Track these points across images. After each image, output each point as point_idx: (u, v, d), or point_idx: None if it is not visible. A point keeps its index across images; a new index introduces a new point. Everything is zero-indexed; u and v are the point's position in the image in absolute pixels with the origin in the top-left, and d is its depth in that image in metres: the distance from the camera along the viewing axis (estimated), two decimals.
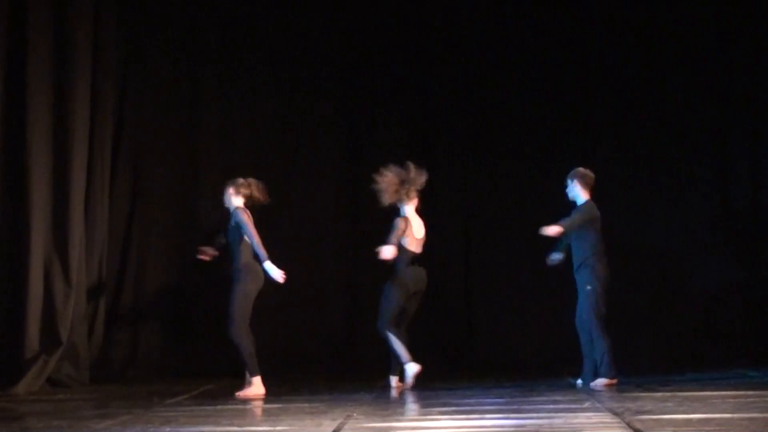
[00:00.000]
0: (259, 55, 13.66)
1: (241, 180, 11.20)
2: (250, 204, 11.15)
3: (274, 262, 10.75)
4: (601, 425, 8.30)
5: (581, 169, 11.56)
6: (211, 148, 13.60)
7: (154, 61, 13.50)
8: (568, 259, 12.30)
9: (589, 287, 11.33)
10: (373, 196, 12.91)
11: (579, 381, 11.25)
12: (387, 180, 11.49)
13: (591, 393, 10.62)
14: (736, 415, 8.67)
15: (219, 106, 13.67)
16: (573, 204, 11.54)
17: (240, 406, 10.20)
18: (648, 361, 11.57)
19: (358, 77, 13.86)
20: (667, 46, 13.90)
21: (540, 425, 8.31)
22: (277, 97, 13.73)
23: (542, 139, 13.93)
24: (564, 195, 11.87)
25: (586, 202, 11.47)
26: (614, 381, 11.09)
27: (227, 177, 13.05)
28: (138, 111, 13.41)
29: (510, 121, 13.91)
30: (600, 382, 11.09)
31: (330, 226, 13.59)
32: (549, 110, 13.99)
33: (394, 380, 11.50)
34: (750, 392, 10.35)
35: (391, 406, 10.07)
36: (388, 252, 11.29)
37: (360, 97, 13.89)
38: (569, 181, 11.55)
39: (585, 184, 11.52)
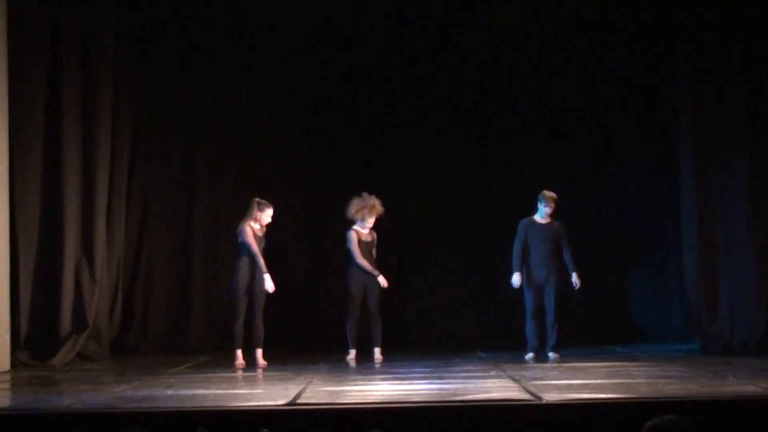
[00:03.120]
0: (240, 99, 13.60)
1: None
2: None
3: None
4: (503, 388, 8.37)
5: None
6: (203, 174, 13.57)
7: (161, 108, 13.47)
8: (479, 256, 12.32)
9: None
10: (327, 202, 13.06)
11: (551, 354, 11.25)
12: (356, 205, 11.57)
13: (496, 364, 10.67)
14: (606, 381, 8.78)
15: (210, 144, 13.64)
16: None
17: (226, 374, 10.20)
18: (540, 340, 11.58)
19: (317, 113, 13.79)
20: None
21: (456, 389, 8.37)
22: (254, 131, 13.66)
23: (466, 154, 13.81)
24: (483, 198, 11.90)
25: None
26: None
27: (217, 196, 13.15)
28: (148, 145, 13.36)
29: (431, 140, 13.76)
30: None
31: (295, 229, 13.55)
32: (466, 133, 13.91)
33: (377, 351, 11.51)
34: (617, 363, 10.47)
35: (342, 374, 10.07)
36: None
37: (319, 128, 13.81)
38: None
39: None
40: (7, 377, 10.43)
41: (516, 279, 11.42)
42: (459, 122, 13.81)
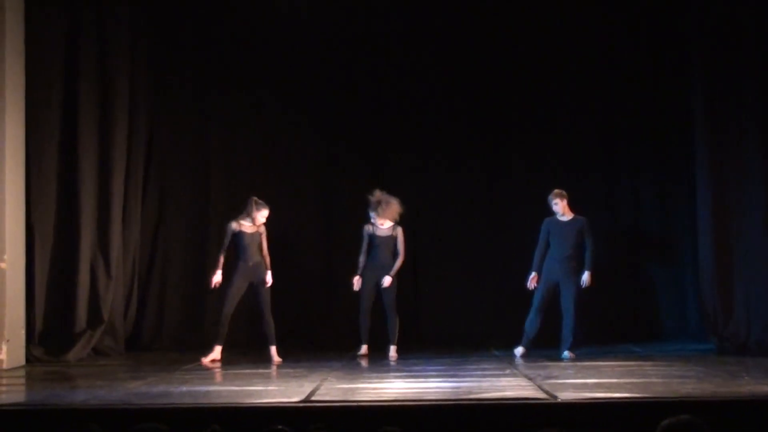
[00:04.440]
0: (255, 97, 13.60)
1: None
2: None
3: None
4: (518, 387, 8.38)
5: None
6: (219, 171, 13.58)
7: (177, 106, 13.49)
8: (493, 254, 12.33)
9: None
10: (343, 200, 13.09)
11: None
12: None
13: (510, 362, 10.66)
14: (621, 380, 8.77)
15: (225, 141, 13.65)
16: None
17: (240, 371, 10.21)
18: (556, 339, 11.56)
19: (332, 109, 13.78)
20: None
21: (471, 387, 8.38)
22: (268, 128, 13.67)
23: (480, 150, 13.79)
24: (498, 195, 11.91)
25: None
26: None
27: (233, 193, 13.15)
28: (163, 143, 13.39)
29: (446, 137, 13.73)
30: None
31: (309, 225, 13.55)
32: (480, 129, 13.88)
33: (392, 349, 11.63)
34: (632, 363, 10.46)
35: (357, 371, 10.09)
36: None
37: (334, 125, 13.80)
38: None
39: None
40: (22, 372, 10.47)
41: (530, 280, 11.47)
42: (474, 118, 13.77)
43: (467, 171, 13.76)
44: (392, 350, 11.52)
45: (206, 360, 11.17)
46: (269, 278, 11.46)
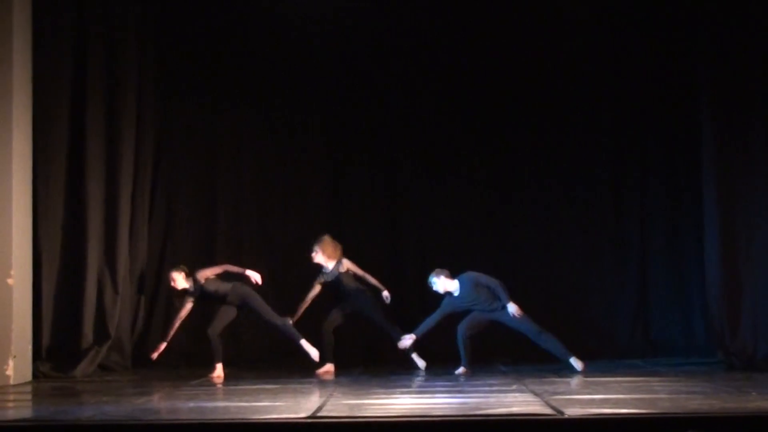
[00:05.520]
0: (262, 108, 13.67)
1: None
2: None
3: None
4: (525, 403, 8.33)
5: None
6: (226, 186, 13.62)
7: (184, 119, 13.55)
8: (502, 267, 12.34)
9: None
10: (352, 212, 13.11)
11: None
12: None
13: (517, 378, 10.65)
14: (628, 396, 8.72)
15: (233, 155, 13.70)
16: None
17: (247, 387, 10.20)
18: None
19: (340, 120, 13.82)
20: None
21: (478, 403, 8.35)
22: (277, 142, 13.74)
23: (488, 162, 13.82)
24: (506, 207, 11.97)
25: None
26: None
27: (240, 207, 13.17)
28: (171, 157, 13.45)
29: (452, 149, 13.78)
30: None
31: (316, 236, 13.55)
32: (488, 141, 13.89)
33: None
34: (639, 378, 10.41)
35: (364, 387, 10.06)
36: None
37: (342, 136, 13.84)
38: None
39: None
40: (29, 388, 10.47)
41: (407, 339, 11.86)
42: (481, 128, 13.81)
43: (476, 181, 13.78)
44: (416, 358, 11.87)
45: (214, 376, 11.25)
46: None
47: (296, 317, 11.95)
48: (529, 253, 12.90)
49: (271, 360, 12.04)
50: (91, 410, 8.20)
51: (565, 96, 13.71)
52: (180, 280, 11.83)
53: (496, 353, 12.61)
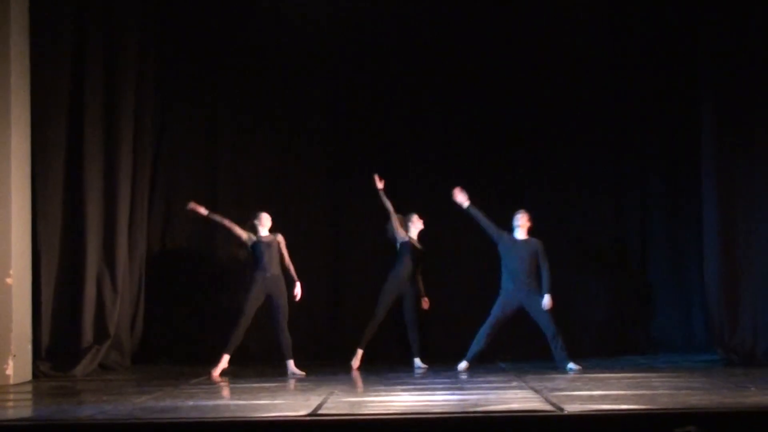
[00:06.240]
0: (263, 106, 13.65)
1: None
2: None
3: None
4: (524, 399, 8.36)
5: None
6: (224, 185, 13.61)
7: (183, 117, 13.54)
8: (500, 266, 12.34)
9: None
10: (352, 210, 13.12)
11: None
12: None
13: (517, 374, 10.65)
14: (628, 392, 8.75)
15: (232, 154, 13.69)
16: None
17: (246, 385, 10.21)
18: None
19: (339, 121, 13.83)
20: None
21: (478, 400, 8.37)
22: (276, 140, 13.72)
23: (486, 164, 13.79)
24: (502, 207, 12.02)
25: None
26: None
27: (239, 205, 13.18)
28: (170, 156, 13.45)
29: (451, 150, 13.75)
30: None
31: (317, 235, 13.56)
32: (490, 148, 13.89)
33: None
34: (639, 374, 10.44)
35: (364, 385, 10.08)
36: None
37: (340, 137, 13.85)
38: None
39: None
40: (29, 388, 10.48)
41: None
42: (480, 129, 13.80)
43: (473, 182, 13.69)
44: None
45: (216, 373, 11.26)
46: (298, 290, 11.76)
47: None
48: None
49: (272, 358, 12.01)
50: (91, 409, 8.20)
51: (565, 96, 13.68)
52: (263, 226, 11.82)
53: (497, 351, 12.60)
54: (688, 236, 13.43)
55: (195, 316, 13.32)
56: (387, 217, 12.20)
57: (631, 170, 13.82)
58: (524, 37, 13.55)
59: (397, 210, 12.34)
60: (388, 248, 12.72)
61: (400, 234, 12.23)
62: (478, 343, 11.68)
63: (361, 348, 12.10)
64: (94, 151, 11.90)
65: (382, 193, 12.08)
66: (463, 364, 11.55)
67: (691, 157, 12.83)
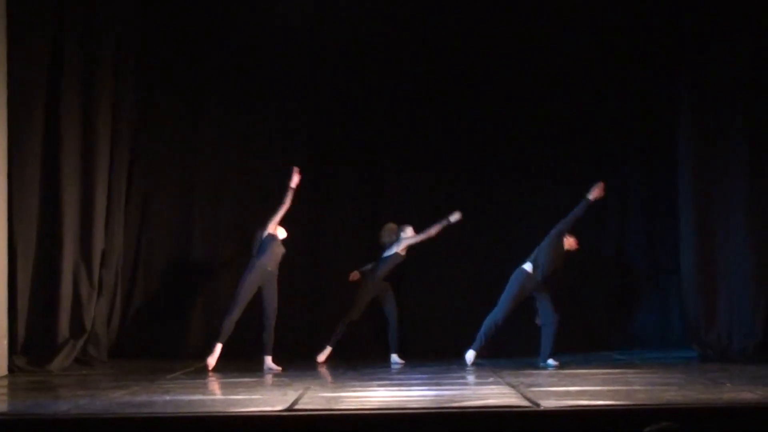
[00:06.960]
0: (242, 105, 13.61)
1: None
2: None
3: None
4: (500, 395, 8.37)
5: None
6: (203, 181, 13.58)
7: (161, 113, 13.50)
8: (478, 263, 12.31)
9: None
10: (331, 211, 13.11)
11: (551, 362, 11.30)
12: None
13: (493, 370, 10.68)
14: (604, 388, 8.80)
15: (210, 149, 13.64)
16: None
17: (223, 380, 10.21)
18: (538, 347, 11.57)
19: (321, 119, 13.83)
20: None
21: (454, 395, 8.39)
22: (254, 133, 13.68)
23: (470, 163, 13.83)
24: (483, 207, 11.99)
25: None
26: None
27: (217, 201, 13.17)
28: (148, 151, 13.40)
29: (436, 149, 13.75)
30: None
31: (295, 235, 13.49)
32: (471, 142, 13.89)
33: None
34: (615, 370, 10.49)
35: (341, 380, 10.08)
36: None
37: (323, 135, 13.84)
38: None
39: None
40: (5, 382, 10.43)
41: None
42: (464, 131, 13.82)
43: (457, 181, 13.77)
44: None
45: (211, 361, 11.29)
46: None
47: None
48: (506, 251, 12.86)
49: (248, 352, 12.00)
50: (67, 404, 8.19)
51: (541, 97, 13.67)
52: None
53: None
54: (664, 233, 13.48)
55: (172, 311, 13.30)
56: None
57: (608, 168, 13.84)
58: (505, 37, 13.53)
59: (382, 211, 12.37)
60: (370, 245, 12.76)
61: (394, 249, 12.28)
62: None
63: (330, 345, 12.20)
64: (71, 147, 11.83)
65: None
66: None
67: (669, 155, 12.87)
